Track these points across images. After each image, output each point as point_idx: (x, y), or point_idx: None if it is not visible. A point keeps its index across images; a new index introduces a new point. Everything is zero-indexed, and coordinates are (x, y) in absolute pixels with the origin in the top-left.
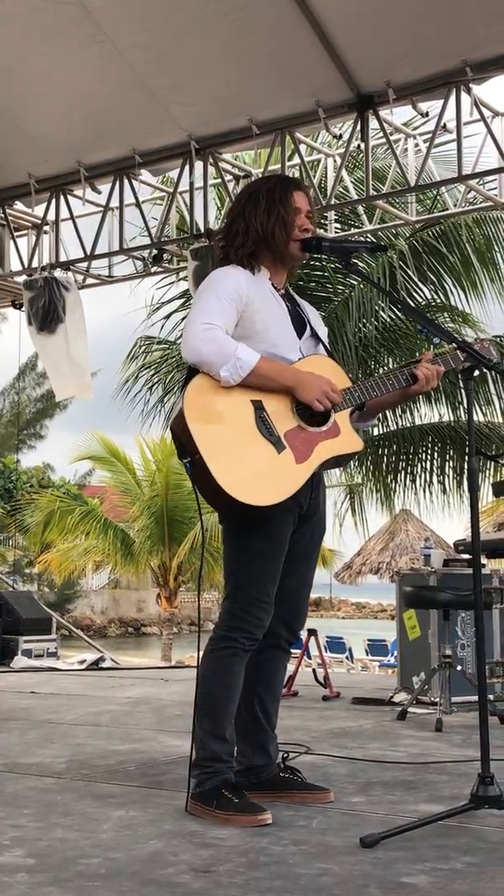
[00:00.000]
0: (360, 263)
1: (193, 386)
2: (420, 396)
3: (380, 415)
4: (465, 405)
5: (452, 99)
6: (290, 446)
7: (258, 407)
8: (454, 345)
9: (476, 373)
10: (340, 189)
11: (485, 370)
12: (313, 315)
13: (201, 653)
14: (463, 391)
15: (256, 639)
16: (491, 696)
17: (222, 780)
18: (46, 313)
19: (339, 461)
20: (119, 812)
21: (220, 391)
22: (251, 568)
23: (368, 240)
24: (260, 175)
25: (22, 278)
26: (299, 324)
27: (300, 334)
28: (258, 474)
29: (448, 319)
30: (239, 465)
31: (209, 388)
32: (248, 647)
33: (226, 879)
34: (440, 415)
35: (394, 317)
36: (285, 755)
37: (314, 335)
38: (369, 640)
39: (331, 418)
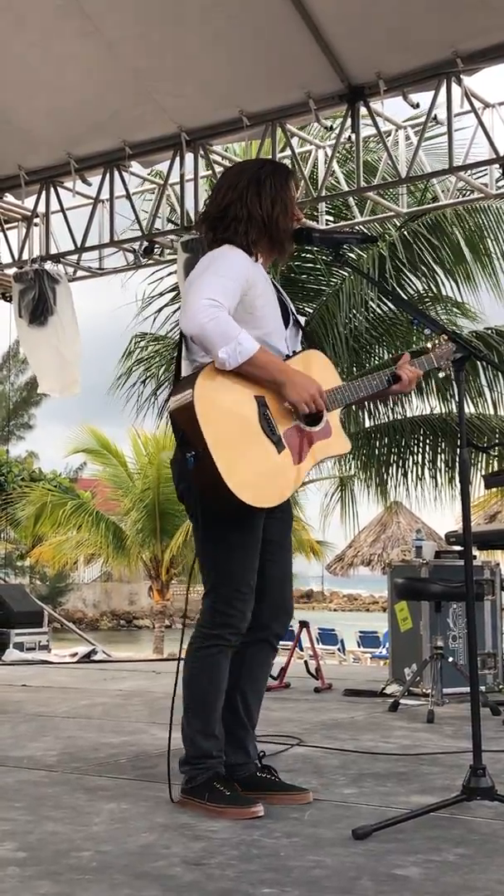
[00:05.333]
0: (350, 254)
1: (202, 379)
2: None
3: (370, 406)
4: (457, 397)
5: (443, 90)
6: (288, 446)
7: (261, 403)
8: (445, 338)
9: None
10: (332, 181)
11: (475, 361)
12: (289, 302)
13: (184, 651)
14: (454, 383)
15: (241, 632)
16: (482, 688)
17: (214, 773)
18: (37, 306)
19: (325, 460)
20: (110, 805)
21: (227, 385)
22: (230, 561)
23: (359, 231)
24: None
25: (12, 271)
26: (284, 312)
27: (286, 323)
28: (260, 475)
29: (443, 311)
30: (243, 464)
31: (217, 381)
32: (234, 642)
33: (218, 872)
34: (431, 407)
35: (385, 308)
36: (262, 754)
37: (296, 324)
38: (361, 631)
39: (324, 418)
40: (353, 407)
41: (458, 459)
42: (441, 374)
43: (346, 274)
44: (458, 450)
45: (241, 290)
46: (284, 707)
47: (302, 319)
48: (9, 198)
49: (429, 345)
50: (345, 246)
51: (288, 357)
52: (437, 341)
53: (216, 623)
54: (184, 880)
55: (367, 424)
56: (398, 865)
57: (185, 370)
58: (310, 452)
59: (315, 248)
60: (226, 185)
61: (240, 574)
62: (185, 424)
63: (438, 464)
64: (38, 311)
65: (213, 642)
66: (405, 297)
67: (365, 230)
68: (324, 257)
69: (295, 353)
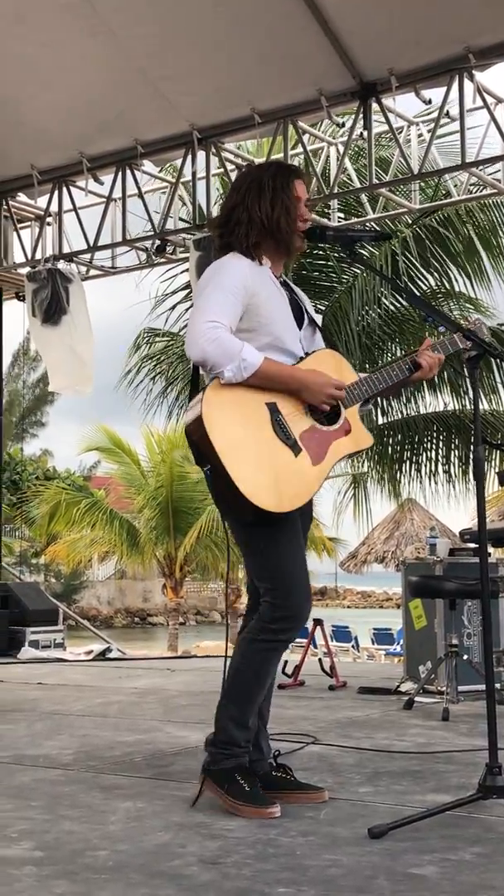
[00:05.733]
0: (363, 252)
1: (210, 393)
2: (424, 385)
3: (383, 403)
4: (470, 394)
5: (455, 86)
6: (305, 448)
7: (273, 410)
8: (459, 333)
9: (471, 354)
10: (343, 178)
11: (489, 358)
12: (307, 302)
13: (232, 642)
14: (467, 379)
15: (298, 627)
16: (497, 685)
17: (237, 763)
18: (50, 305)
19: (348, 456)
20: (126, 804)
21: (236, 396)
22: (279, 558)
23: (372, 228)
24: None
25: (25, 270)
26: (298, 313)
27: (299, 324)
28: (278, 481)
29: (455, 307)
30: (259, 472)
31: (226, 393)
32: (290, 638)
33: (234, 871)
34: (445, 403)
35: (397, 304)
36: (276, 753)
37: (312, 323)
38: (375, 628)
39: (342, 415)
40: (382, 408)
41: (472, 457)
42: (467, 356)
43: (358, 271)
44: (473, 447)
45: (242, 301)
46: (299, 705)
47: (318, 318)
48: (22, 197)
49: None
50: (358, 244)
51: (302, 358)
52: (467, 322)
53: (275, 617)
54: (200, 880)
55: (381, 421)
56: (414, 864)
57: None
58: (329, 451)
59: (328, 246)
60: (232, 189)
61: (295, 568)
62: (197, 439)
63: (452, 460)
64: (52, 310)
65: (268, 636)
66: (418, 295)
67: (378, 227)
68: (336, 254)
69: (308, 354)
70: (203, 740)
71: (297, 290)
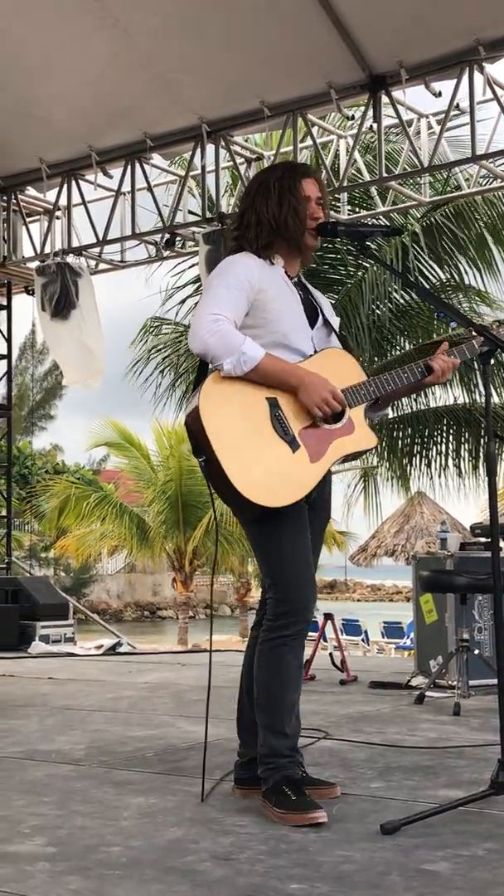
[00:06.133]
0: (373, 246)
1: (209, 384)
2: None
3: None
4: (482, 388)
5: (465, 78)
6: (304, 445)
7: (273, 405)
8: (471, 331)
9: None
10: (353, 171)
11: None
12: (325, 304)
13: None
14: (478, 374)
15: (306, 622)
16: None
17: (283, 777)
18: (59, 299)
19: (351, 457)
20: (139, 799)
21: (236, 389)
22: (281, 551)
23: (383, 223)
24: (272, 157)
25: (34, 264)
26: (311, 313)
27: (312, 323)
28: (272, 475)
29: (464, 300)
30: (253, 466)
31: (225, 385)
32: (298, 632)
33: (247, 867)
34: (455, 397)
35: (407, 298)
36: None
37: (326, 324)
38: (385, 622)
39: (345, 415)
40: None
41: (484, 453)
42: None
43: (368, 265)
44: (485, 443)
45: (248, 296)
46: (310, 699)
47: (336, 321)
48: (31, 191)
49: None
50: (369, 238)
51: (311, 356)
52: (496, 321)
53: (279, 614)
54: (213, 875)
55: (391, 415)
56: (427, 860)
57: None
58: (329, 449)
59: (338, 240)
60: (244, 193)
61: (294, 562)
62: (194, 430)
63: (462, 453)
64: (61, 304)
65: (277, 634)
66: (430, 289)
67: (389, 222)
68: (348, 248)
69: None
70: (218, 735)
71: (316, 292)
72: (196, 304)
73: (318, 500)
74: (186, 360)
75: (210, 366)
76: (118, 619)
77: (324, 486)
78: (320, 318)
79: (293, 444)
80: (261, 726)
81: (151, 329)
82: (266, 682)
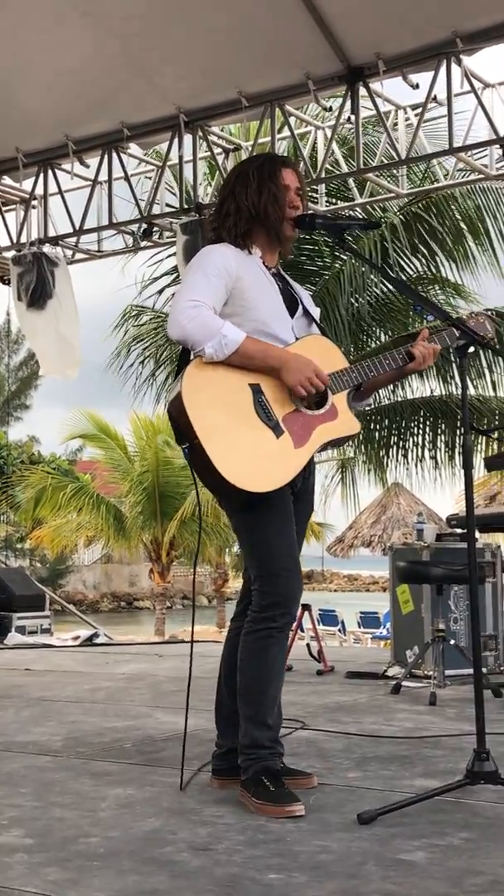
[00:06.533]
0: (350, 238)
1: (191, 370)
2: None
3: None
4: (458, 380)
5: (443, 71)
6: (288, 430)
7: (256, 391)
8: (448, 324)
9: (471, 349)
10: (330, 162)
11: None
12: (305, 295)
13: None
14: (454, 366)
15: (291, 613)
16: (483, 670)
17: (263, 767)
18: (36, 289)
19: (335, 443)
20: (116, 790)
21: (219, 375)
22: (267, 541)
23: (361, 216)
24: (250, 147)
25: (10, 254)
26: (291, 303)
27: (292, 313)
28: (256, 460)
29: (439, 292)
30: (237, 452)
31: (207, 372)
32: (284, 624)
33: (225, 857)
34: (431, 389)
35: (386, 291)
36: None
37: (306, 314)
38: (361, 612)
39: (328, 401)
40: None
41: (461, 446)
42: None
43: (346, 257)
44: (462, 436)
45: (226, 284)
46: (287, 690)
47: (316, 311)
48: (6, 180)
49: (464, 315)
50: (347, 231)
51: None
52: (472, 312)
53: (265, 606)
54: (191, 866)
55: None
56: (404, 850)
57: None
58: (313, 435)
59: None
60: (224, 183)
61: (282, 554)
62: (177, 417)
63: (438, 445)
64: (37, 294)
65: (263, 626)
66: (408, 283)
67: (366, 214)
68: (325, 239)
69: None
70: (196, 726)
71: (295, 283)
72: (174, 294)
73: (302, 491)
74: (166, 350)
75: (192, 353)
76: (95, 609)
77: (308, 476)
78: (300, 307)
79: (277, 430)
80: (243, 717)
81: (132, 315)
82: (250, 673)
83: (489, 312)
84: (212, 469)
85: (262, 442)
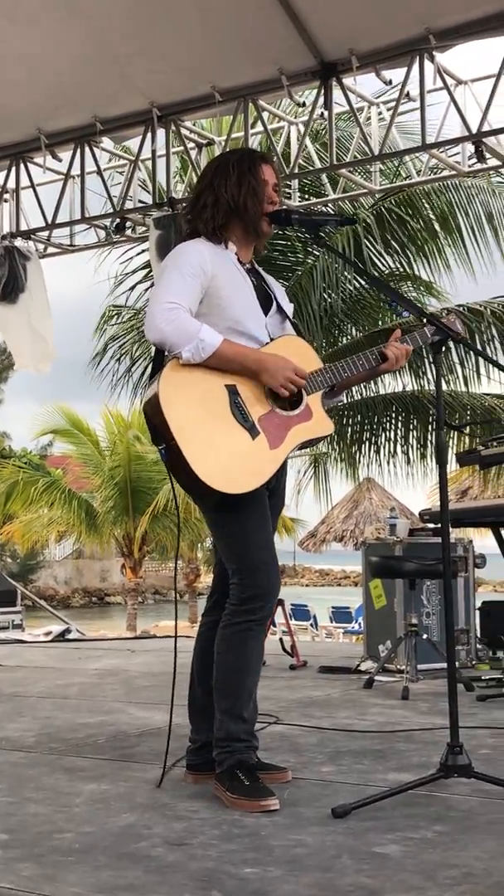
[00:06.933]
0: (325, 234)
1: (168, 372)
2: None
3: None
4: (431, 376)
5: (416, 67)
6: (263, 431)
7: (232, 392)
8: (423, 320)
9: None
10: (304, 158)
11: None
12: (279, 291)
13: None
14: (427, 361)
15: (269, 606)
16: (457, 664)
17: (237, 761)
18: (7, 283)
19: (309, 443)
20: (91, 786)
21: (195, 377)
22: (245, 536)
23: (335, 212)
24: (223, 143)
25: None
26: (265, 299)
27: (266, 310)
28: (233, 462)
29: (411, 289)
30: (214, 453)
31: (183, 373)
32: (263, 617)
33: (200, 852)
34: (404, 384)
35: (359, 287)
36: None
37: (280, 311)
38: (333, 607)
39: (303, 401)
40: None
41: (435, 442)
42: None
43: (319, 252)
44: (435, 433)
45: (202, 283)
46: (261, 685)
47: (290, 308)
48: None
49: (436, 312)
50: (323, 228)
51: (266, 344)
52: (445, 309)
53: (245, 599)
54: (166, 861)
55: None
56: (377, 843)
57: None
58: (288, 436)
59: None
60: (200, 176)
61: (261, 547)
62: (153, 418)
63: (411, 440)
64: (9, 288)
65: (242, 619)
66: (382, 279)
67: (339, 210)
68: (298, 235)
69: (273, 339)
70: (166, 721)
71: (269, 278)
72: (147, 288)
73: (276, 488)
74: (141, 346)
75: (167, 354)
76: (66, 605)
77: (281, 473)
78: (274, 304)
79: (253, 431)
80: (219, 710)
81: (111, 316)
82: (228, 666)
83: (461, 308)
84: (188, 470)
85: (238, 443)
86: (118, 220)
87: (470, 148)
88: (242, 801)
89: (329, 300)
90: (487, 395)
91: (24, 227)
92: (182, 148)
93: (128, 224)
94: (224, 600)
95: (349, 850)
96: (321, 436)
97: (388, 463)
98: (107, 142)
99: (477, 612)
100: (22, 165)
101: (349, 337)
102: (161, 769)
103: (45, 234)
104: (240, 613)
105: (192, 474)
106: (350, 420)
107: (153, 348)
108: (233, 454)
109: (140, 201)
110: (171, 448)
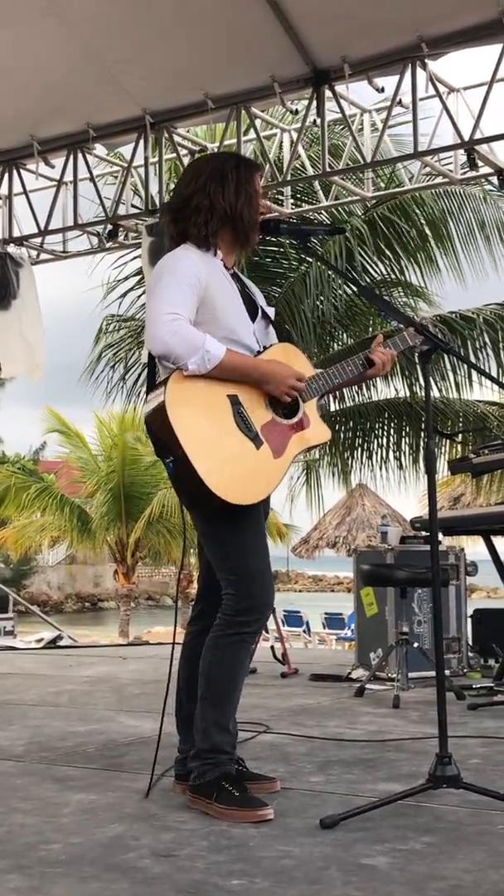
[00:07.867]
0: (315, 243)
1: (173, 384)
2: None
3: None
4: (422, 384)
5: (408, 75)
6: (266, 441)
7: (234, 402)
8: (409, 327)
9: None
10: (297, 165)
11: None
12: (259, 295)
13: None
14: (418, 368)
15: (263, 618)
16: (447, 672)
17: (222, 773)
18: (0, 289)
19: (307, 449)
20: (79, 796)
21: (198, 387)
22: (245, 547)
23: (325, 221)
24: (216, 149)
25: None
26: (251, 306)
27: (252, 317)
28: (241, 472)
29: (402, 295)
30: (222, 465)
31: (188, 384)
32: (257, 628)
33: (187, 864)
34: (396, 391)
35: (351, 294)
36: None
37: (265, 317)
38: (326, 613)
39: (300, 409)
40: (335, 396)
41: (424, 450)
42: (419, 351)
43: (312, 260)
44: (425, 440)
45: (198, 293)
46: (251, 693)
47: (272, 311)
48: None
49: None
50: (312, 237)
51: (259, 353)
52: (422, 318)
53: (241, 610)
54: (153, 872)
55: (333, 408)
56: (366, 855)
57: (162, 375)
58: (289, 444)
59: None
60: (189, 176)
61: (258, 558)
62: (159, 430)
63: (403, 447)
64: (2, 294)
65: (236, 630)
66: (373, 288)
67: (332, 217)
68: (292, 242)
69: (265, 348)
70: (156, 730)
71: (249, 282)
72: (139, 295)
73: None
74: (136, 352)
75: (159, 365)
76: (59, 610)
77: None
78: (259, 310)
79: (256, 441)
80: (206, 720)
81: (108, 327)
82: (219, 677)
83: (453, 315)
84: (198, 482)
85: (244, 453)
86: (111, 227)
87: (462, 156)
88: (234, 811)
89: (322, 307)
90: (480, 401)
91: (16, 234)
92: (175, 155)
93: (120, 231)
94: (210, 609)
95: (337, 861)
96: (320, 442)
97: (381, 469)
98: (100, 148)
99: (469, 620)
100: (14, 172)
101: (341, 343)
102: (150, 779)
103: (38, 240)
104: (234, 625)
105: (202, 486)
106: (342, 426)
107: (146, 355)
108: (240, 465)
109: (133, 206)
110: (179, 460)
